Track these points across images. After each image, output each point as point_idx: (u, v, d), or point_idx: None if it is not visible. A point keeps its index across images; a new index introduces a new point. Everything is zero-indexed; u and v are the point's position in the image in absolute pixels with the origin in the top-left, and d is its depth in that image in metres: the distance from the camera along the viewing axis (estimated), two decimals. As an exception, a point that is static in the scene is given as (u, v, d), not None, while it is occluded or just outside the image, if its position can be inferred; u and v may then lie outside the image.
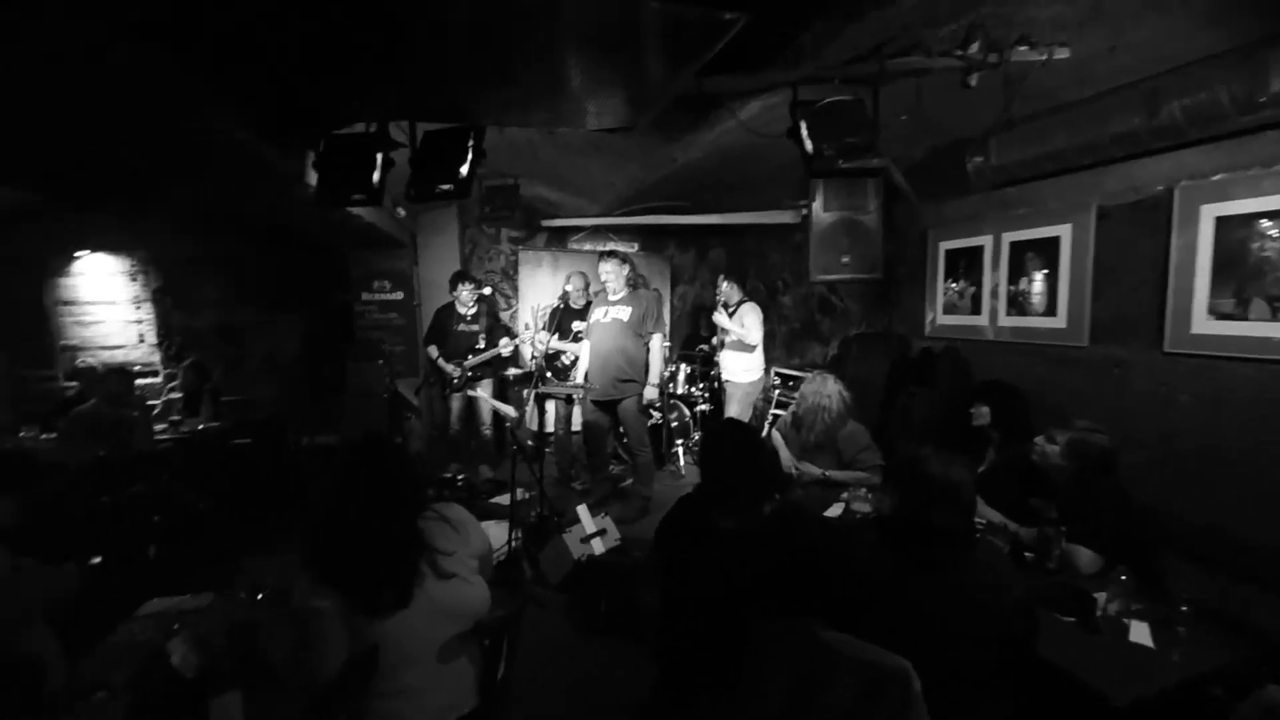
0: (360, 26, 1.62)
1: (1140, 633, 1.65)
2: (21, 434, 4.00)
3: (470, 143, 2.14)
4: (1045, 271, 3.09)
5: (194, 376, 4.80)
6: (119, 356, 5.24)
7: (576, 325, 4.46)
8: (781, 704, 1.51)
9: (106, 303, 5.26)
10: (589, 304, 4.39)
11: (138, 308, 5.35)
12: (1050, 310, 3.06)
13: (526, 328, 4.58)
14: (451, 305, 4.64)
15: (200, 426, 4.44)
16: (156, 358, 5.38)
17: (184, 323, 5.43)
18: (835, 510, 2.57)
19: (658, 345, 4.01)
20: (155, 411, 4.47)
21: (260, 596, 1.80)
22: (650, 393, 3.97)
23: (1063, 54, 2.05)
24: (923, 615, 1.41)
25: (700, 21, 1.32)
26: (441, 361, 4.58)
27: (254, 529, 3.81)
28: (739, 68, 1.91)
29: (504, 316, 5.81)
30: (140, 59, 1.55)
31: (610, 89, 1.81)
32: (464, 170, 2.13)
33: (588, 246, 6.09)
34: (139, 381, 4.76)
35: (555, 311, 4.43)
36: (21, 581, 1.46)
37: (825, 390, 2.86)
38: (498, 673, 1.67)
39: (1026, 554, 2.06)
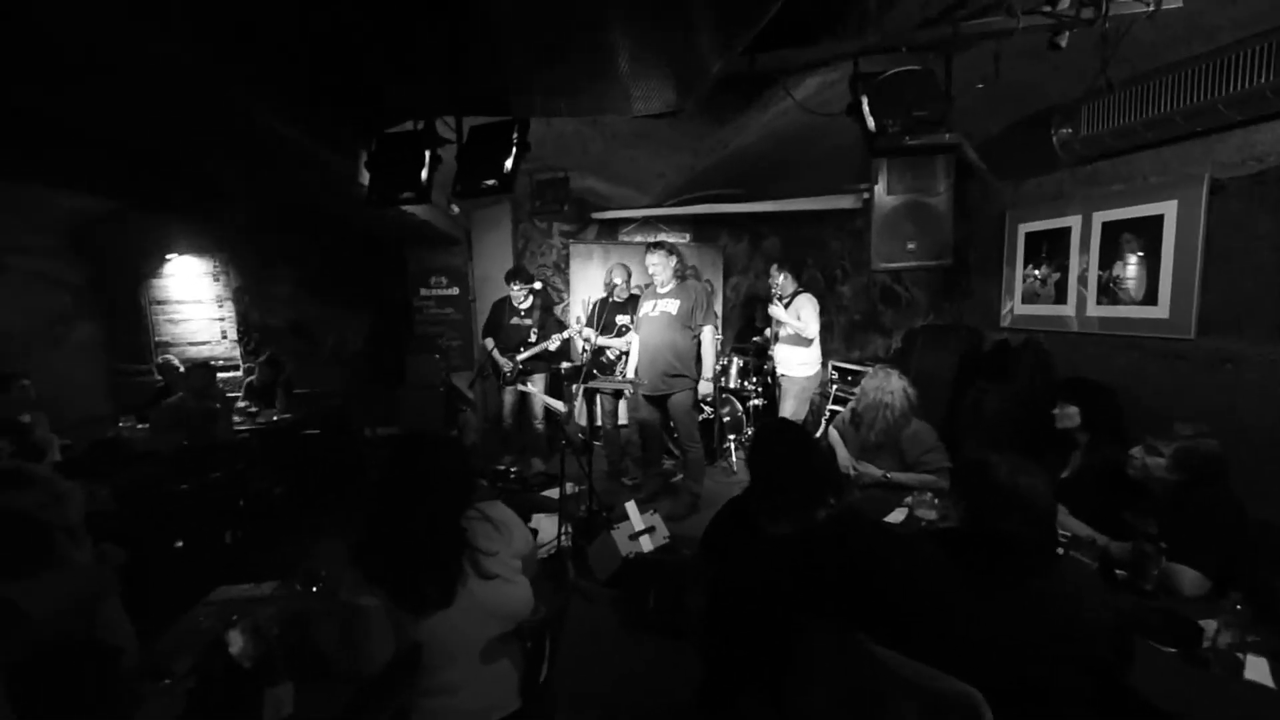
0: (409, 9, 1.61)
1: (1258, 669, 1.44)
2: (120, 424, 4.36)
3: (515, 136, 2.11)
4: (1144, 254, 2.76)
5: (270, 370, 5.10)
6: (204, 352, 5.64)
7: (620, 319, 4.41)
8: (830, 716, 1.42)
9: (194, 301, 5.67)
10: (632, 297, 4.33)
11: (220, 306, 5.73)
12: (1150, 298, 2.73)
13: (577, 321, 4.58)
14: (507, 298, 4.71)
15: (275, 418, 4.71)
16: (237, 353, 5.76)
17: (260, 320, 5.78)
18: (897, 516, 2.41)
19: (709, 338, 3.91)
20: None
21: (315, 589, 1.85)
22: (704, 387, 3.88)
23: (1174, 3, 1.78)
24: (993, 636, 1.28)
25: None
26: (496, 354, 4.66)
27: (322, 516, 4.02)
28: (793, 41, 1.77)
29: (556, 310, 5.86)
30: (200, 61, 1.60)
31: (656, 64, 1.71)
32: (508, 165, 2.11)
33: (638, 238, 6.02)
34: (221, 375, 5.11)
35: (600, 304, 4.39)
36: (100, 566, 1.55)
37: (888, 386, 2.68)
38: (540, 675, 1.65)
39: (1118, 571, 1.84)
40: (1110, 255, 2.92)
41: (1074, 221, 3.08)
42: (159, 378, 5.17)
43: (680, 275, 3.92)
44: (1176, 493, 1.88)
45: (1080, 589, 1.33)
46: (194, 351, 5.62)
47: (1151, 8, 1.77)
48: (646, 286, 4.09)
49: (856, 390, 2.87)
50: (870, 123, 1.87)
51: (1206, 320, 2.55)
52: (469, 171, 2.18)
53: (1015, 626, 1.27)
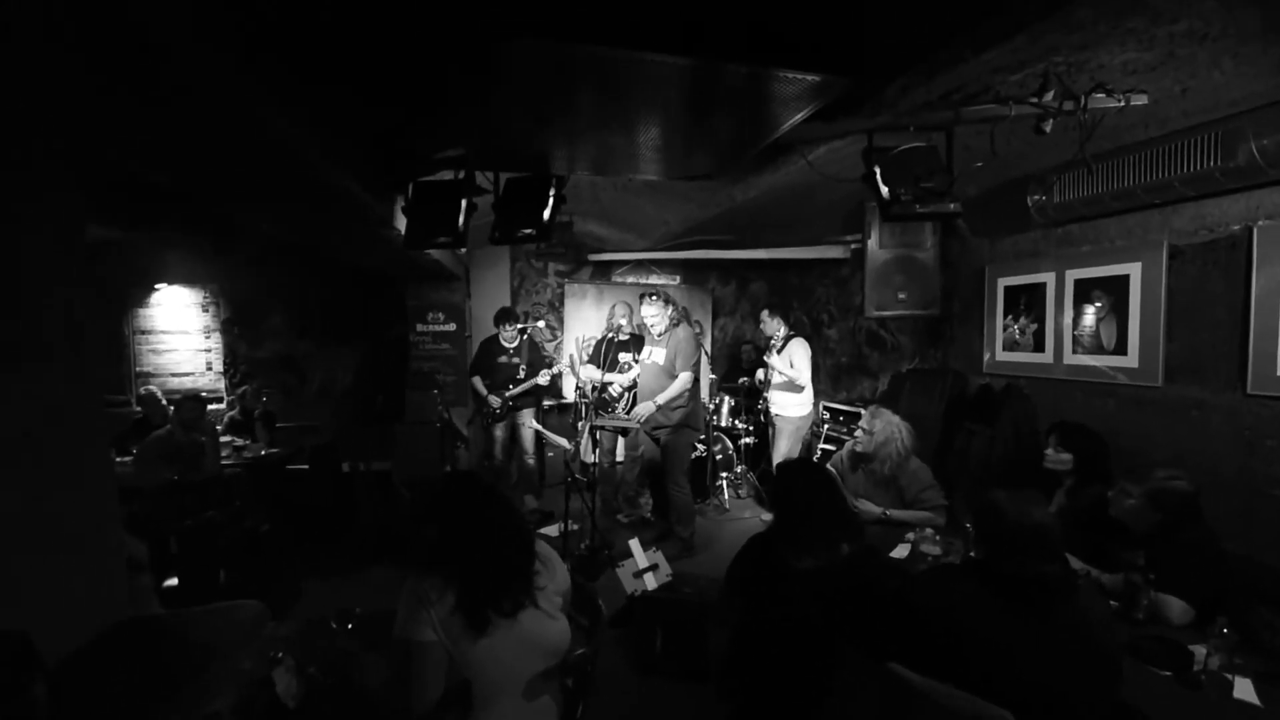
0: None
1: (1245, 689, 1.58)
2: (100, 457, 4.18)
3: (551, 191, 2.25)
4: (1114, 310, 3.04)
5: (253, 400, 5.01)
6: (187, 383, 5.51)
7: (624, 356, 4.49)
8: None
9: (180, 332, 5.56)
10: (634, 336, 4.45)
11: (207, 337, 5.63)
12: (1121, 349, 3.00)
13: (570, 358, 4.66)
14: (495, 337, 4.77)
15: (263, 452, 4.61)
16: (222, 385, 5.64)
17: (248, 352, 5.69)
18: (901, 551, 2.51)
19: (679, 384, 3.90)
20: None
21: (350, 626, 1.85)
22: (644, 409, 3.89)
23: (1140, 100, 2.07)
24: (1025, 661, 1.38)
25: (806, 90, 1.40)
26: (484, 390, 4.68)
27: (310, 553, 3.92)
28: (817, 116, 1.98)
29: (549, 348, 5.94)
30: (264, 111, 1.70)
31: (708, 149, 1.89)
32: (546, 215, 2.25)
33: (630, 279, 6.21)
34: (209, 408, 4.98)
35: (604, 343, 4.48)
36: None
37: (895, 423, 2.83)
38: (577, 712, 1.68)
39: (1111, 602, 1.99)
40: (1083, 309, 3.20)
41: (1049, 278, 3.37)
42: (138, 409, 5.02)
43: (674, 321, 4.00)
44: (1159, 529, 2.04)
45: (1098, 613, 1.46)
46: (176, 383, 5.48)
47: (1123, 103, 2.05)
48: (640, 326, 4.21)
49: (857, 432, 2.98)
50: (884, 191, 2.08)
51: (1172, 369, 2.81)
52: (507, 220, 2.30)
53: (1047, 652, 1.37)
